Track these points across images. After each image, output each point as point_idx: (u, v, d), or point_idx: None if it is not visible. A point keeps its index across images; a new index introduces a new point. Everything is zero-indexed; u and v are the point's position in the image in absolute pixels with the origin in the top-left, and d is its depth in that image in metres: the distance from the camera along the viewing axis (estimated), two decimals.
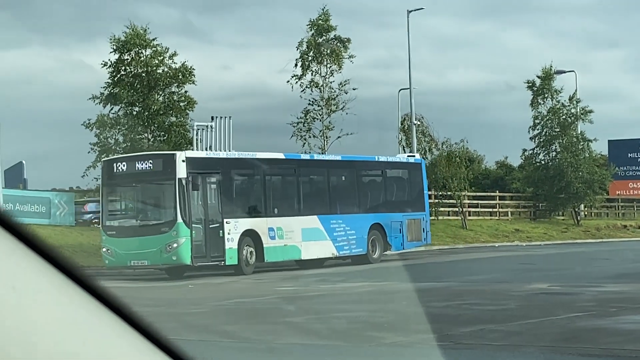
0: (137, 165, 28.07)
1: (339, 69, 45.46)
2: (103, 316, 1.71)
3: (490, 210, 56.01)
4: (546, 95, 56.14)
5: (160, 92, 41.97)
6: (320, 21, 45.51)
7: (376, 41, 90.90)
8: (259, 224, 29.20)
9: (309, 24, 45.61)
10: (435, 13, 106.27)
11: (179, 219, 26.89)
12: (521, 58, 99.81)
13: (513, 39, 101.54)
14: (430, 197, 50.66)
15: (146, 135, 41.47)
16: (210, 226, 27.70)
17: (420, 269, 29.92)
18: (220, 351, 13.10)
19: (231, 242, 27.90)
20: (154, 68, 41.60)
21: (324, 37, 45.41)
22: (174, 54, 42.23)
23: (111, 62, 41.71)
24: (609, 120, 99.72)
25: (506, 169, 67.35)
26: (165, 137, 41.14)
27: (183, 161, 27.22)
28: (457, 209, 50.91)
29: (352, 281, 24.99)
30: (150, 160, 28.27)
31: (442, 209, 51.18)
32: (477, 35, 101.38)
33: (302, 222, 30.66)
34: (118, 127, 41.62)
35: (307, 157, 35.19)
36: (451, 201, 50.69)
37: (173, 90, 42.26)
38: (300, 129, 45.18)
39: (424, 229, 35.59)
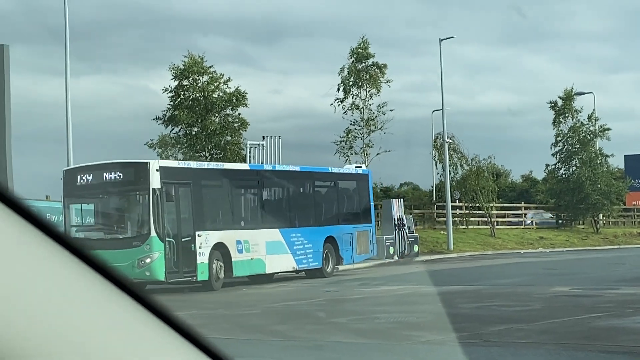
0: (104, 175, 24.04)
1: (377, 93, 45.57)
2: (146, 319, 1.67)
3: (517, 219, 55.73)
4: (567, 115, 55.90)
5: (217, 114, 42.34)
6: (359, 49, 45.67)
7: (412, 67, 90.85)
8: (228, 237, 25.48)
9: (350, 52, 45.82)
10: (465, 41, 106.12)
11: (153, 232, 23.24)
12: (543, 81, 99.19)
13: (536, 64, 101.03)
14: (461, 208, 50.67)
15: (204, 153, 41.80)
16: (183, 239, 24.05)
17: (453, 274, 29.83)
18: (270, 348, 13.19)
19: (202, 257, 24.34)
20: (211, 93, 41.98)
21: (363, 64, 45.53)
22: (228, 80, 42.63)
23: (172, 87, 42.20)
24: (625, 137, 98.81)
25: (531, 182, 66.96)
26: (221, 155, 41.44)
27: (157, 170, 23.50)
28: (485, 219, 50.78)
29: (391, 284, 24.98)
30: (119, 170, 24.17)
31: (472, 219, 51.14)
32: (503, 60, 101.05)
33: (266, 235, 26.98)
34: (178, 146, 42.05)
35: (269, 167, 30.20)
36: (480, 212, 50.61)
37: (228, 112, 42.62)
38: (343, 147, 45.29)
39: (371, 241, 32.00)
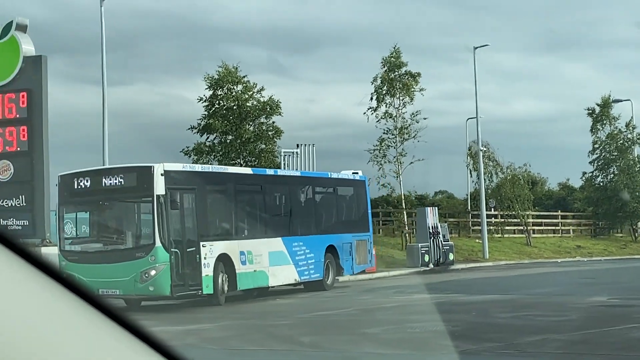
0: (104, 180, 22.07)
1: (411, 101, 45.43)
2: (103, 325, 1.64)
3: (553, 228, 55.34)
4: (604, 122, 55.48)
5: (251, 123, 42.50)
6: (392, 58, 45.62)
7: (446, 75, 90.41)
8: (232, 248, 23.37)
9: (382, 61, 45.78)
10: (500, 49, 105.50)
11: (157, 243, 21.15)
12: (580, 88, 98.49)
13: (572, 71, 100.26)
14: (496, 216, 50.36)
15: (239, 160, 41.95)
16: (187, 250, 21.94)
17: (488, 283, 29.63)
18: None
19: (207, 268, 22.22)
20: (245, 101, 42.16)
21: (396, 73, 45.46)
22: (262, 89, 42.78)
23: (206, 97, 42.48)
24: None
25: (568, 190, 66.37)
26: (256, 162, 41.56)
27: (162, 175, 21.42)
28: (521, 228, 50.45)
29: (425, 293, 24.86)
30: (120, 175, 22.10)
31: (507, 227, 50.83)
32: (539, 67, 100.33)
33: (269, 245, 24.86)
34: (213, 154, 42.23)
35: (271, 172, 28.43)
36: (515, 220, 50.30)
37: (262, 121, 42.74)
38: (377, 155, 45.20)
39: (369, 251, 30.00)
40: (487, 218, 46.01)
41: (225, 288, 22.87)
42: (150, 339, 1.69)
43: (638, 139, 55.49)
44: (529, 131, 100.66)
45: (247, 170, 27.68)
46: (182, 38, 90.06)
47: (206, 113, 42.43)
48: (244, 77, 42.61)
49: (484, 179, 47.47)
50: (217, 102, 42.49)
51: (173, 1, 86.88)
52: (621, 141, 55.10)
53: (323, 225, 27.80)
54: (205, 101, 42.49)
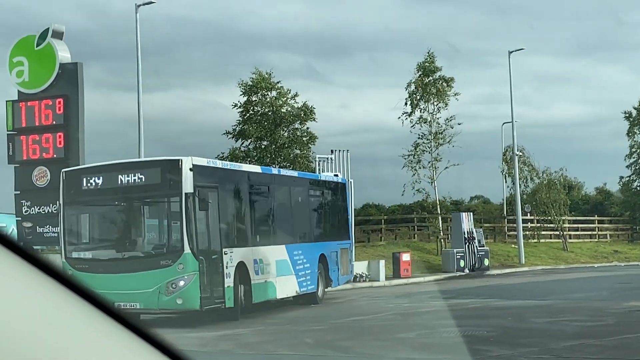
0: (120, 177, 19.19)
1: (445, 106, 45.37)
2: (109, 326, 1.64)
3: (590, 233, 54.88)
4: None
5: (285, 128, 42.64)
6: (426, 63, 45.58)
7: (481, 80, 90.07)
8: (248, 255, 20.75)
9: (416, 66, 45.75)
10: (535, 52, 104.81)
11: (187, 249, 18.34)
12: (617, 91, 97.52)
13: (608, 74, 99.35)
14: (532, 221, 50.05)
15: (274, 165, 42.10)
16: (212, 257, 19.28)
17: (524, 288, 29.45)
18: None
19: (229, 279, 19.57)
20: (279, 107, 42.32)
21: (430, 78, 45.39)
22: (296, 95, 42.93)
23: (241, 103, 42.71)
24: None
25: (605, 195, 65.83)
26: (290, 168, 41.69)
27: (190, 170, 18.64)
28: (557, 232, 50.09)
29: (461, 298, 24.77)
30: (141, 170, 19.37)
31: (543, 232, 50.50)
32: (574, 71, 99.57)
33: (276, 253, 22.38)
34: (248, 159, 42.39)
35: (276, 170, 25.75)
36: (552, 225, 49.96)
37: (296, 126, 42.87)
38: (411, 161, 45.15)
39: (350, 260, 27.55)
40: (522, 223, 45.73)
41: (244, 301, 20.23)
42: (152, 338, 1.68)
43: None
44: (565, 135, 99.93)
45: (257, 169, 24.61)
46: (216, 44, 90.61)
47: (241, 119, 42.66)
48: (277, 82, 42.84)
49: (520, 184, 47.22)
50: (252, 107, 42.70)
51: (207, 8, 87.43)
52: None
53: (315, 232, 25.48)
54: (239, 107, 42.74)
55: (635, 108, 55.07)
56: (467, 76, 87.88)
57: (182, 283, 18.44)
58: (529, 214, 49.17)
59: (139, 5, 33.30)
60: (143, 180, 19.20)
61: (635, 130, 55.10)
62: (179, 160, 18.91)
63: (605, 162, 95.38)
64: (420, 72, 45.47)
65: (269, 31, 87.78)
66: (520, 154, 48.04)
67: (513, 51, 46.42)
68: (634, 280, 31.68)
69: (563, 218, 49.96)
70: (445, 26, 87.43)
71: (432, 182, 44.89)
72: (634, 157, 55.22)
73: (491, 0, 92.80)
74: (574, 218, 54.09)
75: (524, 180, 48.93)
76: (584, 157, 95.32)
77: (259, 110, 42.58)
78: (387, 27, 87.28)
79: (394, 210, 54.52)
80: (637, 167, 55.23)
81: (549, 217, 49.18)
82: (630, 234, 56.24)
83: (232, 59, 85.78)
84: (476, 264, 38.17)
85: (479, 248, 38.60)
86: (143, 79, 33.25)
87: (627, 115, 55.24)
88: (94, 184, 19.45)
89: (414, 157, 45.04)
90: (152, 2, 33.20)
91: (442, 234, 44.04)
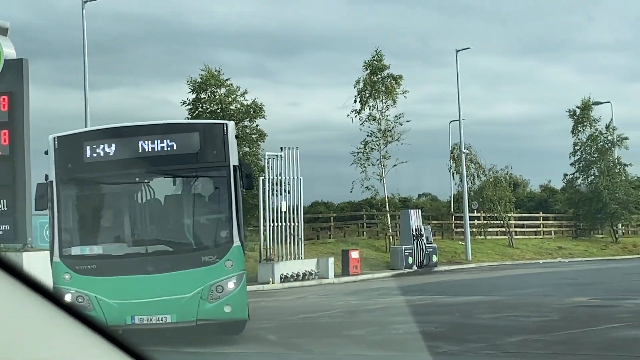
0: (142, 144, 14.33)
1: (394, 104, 45.55)
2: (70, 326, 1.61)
3: (535, 229, 55.58)
4: (585, 124, 55.85)
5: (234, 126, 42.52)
6: (374, 61, 45.76)
7: (429, 78, 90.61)
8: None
9: (365, 64, 45.90)
10: (482, 52, 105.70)
11: (236, 240, 14.26)
12: (561, 91, 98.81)
13: (553, 74, 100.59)
14: (479, 218, 50.51)
15: None
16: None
17: (471, 284, 29.71)
18: None
19: None
20: (228, 105, 42.16)
21: (379, 76, 45.56)
22: (245, 92, 42.80)
23: (190, 100, 42.48)
24: None
25: (549, 192, 66.67)
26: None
27: (236, 137, 15.28)
28: (504, 229, 50.64)
29: (409, 295, 24.91)
30: (173, 135, 14.50)
31: (490, 229, 51.00)
32: (521, 70, 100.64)
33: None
34: None
35: None
36: (498, 222, 50.50)
37: (245, 124, 42.72)
38: (360, 158, 45.28)
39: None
40: (469, 220, 46.15)
41: None
42: (118, 340, 1.67)
43: (618, 140, 55.89)
44: (510, 134, 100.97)
45: None
46: (165, 42, 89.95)
47: (189, 116, 42.40)
48: (227, 80, 42.68)
49: (467, 182, 47.60)
50: (201, 105, 42.48)
51: (156, 5, 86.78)
52: (601, 143, 55.47)
53: None
54: (188, 104, 42.50)
55: (578, 107, 55.90)
56: (416, 75, 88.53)
57: (231, 285, 14.11)
58: (475, 211, 49.60)
59: (86, 2, 32.94)
60: (174, 148, 14.36)
61: (578, 129, 55.90)
62: (223, 124, 14.89)
63: (550, 159, 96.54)
64: (368, 70, 45.65)
65: (219, 29, 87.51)
66: (467, 151, 48.45)
67: (460, 50, 46.80)
68: (578, 276, 32.13)
69: (509, 215, 50.58)
70: (394, 25, 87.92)
71: (381, 180, 45.07)
72: (577, 155, 56.02)
73: (440, 0, 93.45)
74: (520, 215, 54.73)
75: (471, 178, 49.39)
76: (529, 155, 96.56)
77: (207, 108, 42.36)
78: (336, 26, 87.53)
79: (343, 208, 54.64)
80: (580, 165, 56.04)
81: (495, 214, 49.73)
82: (574, 230, 57.06)
83: (181, 56, 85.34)
84: (424, 261, 38.41)
85: (427, 245, 38.85)
86: (90, 76, 32.96)
87: (572, 113, 56.08)
88: (102, 153, 14.26)
89: (363, 155, 45.22)
90: None
91: (390, 231, 44.24)
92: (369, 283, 31.41)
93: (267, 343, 15.17)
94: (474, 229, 49.01)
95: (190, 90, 42.46)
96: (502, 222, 50.25)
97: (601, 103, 56.87)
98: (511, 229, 50.69)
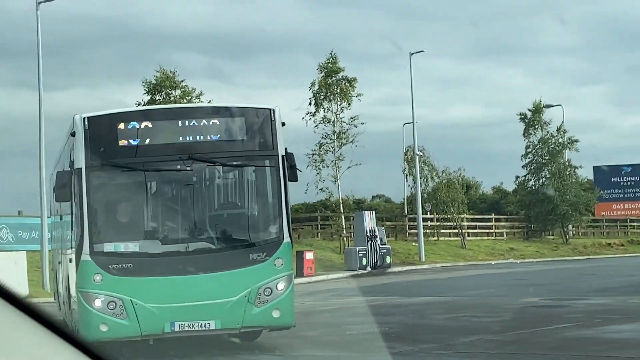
0: (180, 127, 12.84)
1: (348, 106, 45.62)
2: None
3: (487, 231, 56.00)
4: (536, 127, 56.34)
5: None
6: (329, 64, 45.82)
7: (384, 81, 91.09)
8: None
9: (319, 67, 45.96)
10: (436, 55, 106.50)
11: (286, 236, 12.94)
12: (513, 94, 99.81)
13: (506, 77, 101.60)
14: (432, 219, 50.83)
15: None
16: None
17: (424, 285, 29.88)
18: None
19: None
20: None
21: (333, 78, 45.64)
22: (201, 94, 42.62)
23: (145, 101, 42.18)
24: (594, 148, 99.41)
25: (501, 194, 67.27)
26: None
27: (283, 125, 13.30)
28: (456, 231, 50.98)
29: (363, 296, 24.99)
30: (215, 120, 13.04)
31: (443, 230, 51.32)
32: (474, 74, 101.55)
33: None
34: None
35: None
36: (451, 223, 50.83)
37: None
38: (315, 160, 45.30)
39: None
40: (423, 221, 46.39)
41: None
42: (76, 340, 1.66)
43: (568, 143, 56.48)
44: (463, 136, 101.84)
45: None
46: (121, 43, 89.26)
47: None
48: (182, 81, 42.48)
49: (420, 184, 47.87)
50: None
51: (111, 6, 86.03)
52: (552, 145, 56.02)
53: None
54: (143, 106, 42.23)
55: (529, 110, 56.43)
56: (371, 77, 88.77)
57: (281, 287, 12.72)
58: (429, 213, 49.90)
59: (40, 2, 32.59)
60: (219, 134, 13.00)
61: (530, 132, 56.41)
62: (270, 109, 13.25)
63: (502, 162, 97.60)
64: (323, 73, 45.69)
65: (175, 31, 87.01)
66: (421, 154, 48.71)
67: (414, 53, 47.04)
68: (529, 277, 32.46)
69: (462, 216, 50.94)
70: (349, 28, 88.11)
71: (335, 181, 45.14)
72: (529, 157, 56.51)
73: (395, 4, 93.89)
74: (472, 216, 55.14)
75: (425, 180, 49.63)
76: (482, 157, 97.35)
77: None
78: (291, 29, 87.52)
79: (298, 209, 54.67)
80: (532, 167, 56.53)
81: (448, 216, 50.05)
82: (526, 231, 57.58)
83: (136, 58, 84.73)
84: (378, 262, 38.55)
85: (381, 246, 38.99)
86: (46, 77, 32.56)
87: (523, 117, 56.55)
88: (139, 137, 12.57)
89: (317, 157, 45.24)
90: None
91: (345, 232, 44.34)
92: (323, 284, 31.46)
93: (218, 344, 15.12)
94: (427, 230, 49.29)
95: (145, 91, 42.25)
96: (454, 223, 50.58)
97: (552, 106, 57.51)
98: (464, 231, 51.04)
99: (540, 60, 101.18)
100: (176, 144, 12.77)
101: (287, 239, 12.85)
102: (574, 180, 56.42)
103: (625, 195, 64.78)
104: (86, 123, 12.57)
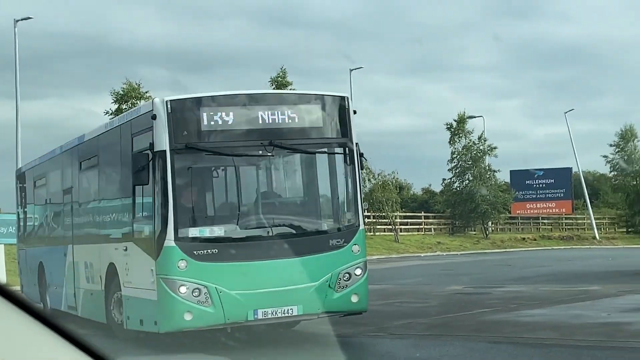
0: (261, 114, 11.47)
1: None
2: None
3: (417, 227, 56.33)
4: (461, 135, 56.91)
5: None
6: (279, 78, 45.72)
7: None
8: None
9: (270, 80, 45.84)
10: (373, 71, 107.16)
11: (361, 223, 12.19)
12: (441, 106, 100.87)
13: (435, 91, 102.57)
14: (368, 217, 51.01)
15: None
16: None
17: None
18: None
19: None
20: None
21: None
22: None
23: (112, 110, 41.75)
24: (510, 154, 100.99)
25: (430, 194, 67.74)
26: None
27: (355, 112, 12.23)
28: (390, 227, 51.19)
29: None
30: (294, 107, 11.79)
31: (378, 226, 51.49)
32: (407, 88, 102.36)
33: None
34: None
35: None
36: (385, 220, 51.03)
37: None
38: None
39: None
40: None
41: None
42: (72, 337, 1.58)
43: (488, 150, 57.18)
44: (397, 143, 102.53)
45: None
46: (91, 57, 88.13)
47: None
48: (146, 92, 42.13)
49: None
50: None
51: (83, 24, 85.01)
52: (474, 152, 56.62)
53: None
54: (111, 114, 41.78)
55: (455, 120, 57.04)
56: (316, 90, 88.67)
57: (358, 272, 11.81)
58: (366, 211, 49.98)
59: (17, 20, 32.05)
60: (295, 120, 11.71)
61: (455, 140, 56.99)
62: (345, 97, 12.27)
63: (430, 166, 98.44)
64: (273, 86, 45.58)
65: (140, 47, 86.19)
66: None
67: (353, 69, 47.20)
68: (454, 268, 32.72)
69: (395, 214, 51.21)
70: (296, 46, 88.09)
71: None
72: (454, 162, 57.10)
73: (337, 25, 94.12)
74: (404, 214, 55.44)
75: (363, 182, 49.73)
76: (413, 161, 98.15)
77: None
78: (245, 45, 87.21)
79: None
80: (457, 171, 57.12)
81: (383, 213, 50.24)
82: (451, 227, 58.08)
83: (105, 70, 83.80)
84: None
85: None
86: (22, 88, 32.05)
87: (449, 126, 57.18)
88: (221, 121, 11.30)
89: None
90: (30, 18, 32.01)
91: None
92: None
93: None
94: (365, 227, 49.33)
95: (113, 101, 41.82)
96: (389, 220, 50.81)
97: (474, 117, 58.20)
98: (397, 227, 51.29)
99: (465, 76, 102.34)
100: (258, 129, 11.42)
101: (362, 225, 12.05)
102: (493, 183, 57.15)
103: (538, 196, 65.68)
104: (168, 106, 11.15)
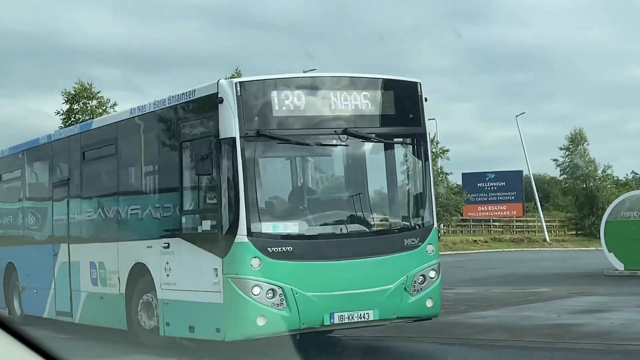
0: (334, 99, 10.29)
1: None
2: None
3: None
4: None
5: None
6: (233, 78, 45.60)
7: None
8: None
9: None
10: (329, 72, 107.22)
11: (435, 220, 10.99)
12: None
13: None
14: None
15: None
16: None
17: None
18: None
19: None
20: (99, 115, 41.18)
21: None
22: (115, 104, 41.97)
23: (63, 110, 41.28)
24: (462, 157, 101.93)
25: None
26: None
27: (426, 100, 11.14)
28: None
29: None
30: (366, 92, 10.55)
31: None
32: None
33: None
34: None
35: None
36: None
37: None
38: None
39: None
40: None
41: None
42: (30, 341, 1.55)
43: (441, 152, 57.66)
44: None
45: None
46: (41, 57, 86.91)
47: (63, 125, 41.18)
48: (98, 92, 41.74)
49: None
50: (74, 115, 41.35)
51: (33, 23, 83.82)
52: None
53: None
54: (62, 114, 41.28)
55: None
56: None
57: (432, 274, 10.75)
58: None
59: None
60: (368, 106, 10.51)
61: None
62: (418, 82, 11.08)
63: None
64: None
65: (91, 47, 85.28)
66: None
67: (307, 71, 47.06)
68: None
69: None
70: (251, 47, 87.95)
71: None
72: None
73: (291, 27, 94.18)
74: None
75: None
76: None
77: (80, 118, 41.26)
78: (200, 46, 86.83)
79: None
80: None
81: None
82: None
83: (56, 70, 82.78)
84: None
85: None
86: None
87: None
88: (292, 107, 10.06)
89: None
90: None
91: None
92: None
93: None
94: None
95: (64, 101, 41.35)
96: None
97: (428, 120, 58.56)
98: None
99: (420, 79, 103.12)
100: (332, 116, 10.23)
101: (435, 224, 10.83)
102: (445, 185, 57.57)
103: (489, 198, 66.35)
104: (238, 89, 9.82)
